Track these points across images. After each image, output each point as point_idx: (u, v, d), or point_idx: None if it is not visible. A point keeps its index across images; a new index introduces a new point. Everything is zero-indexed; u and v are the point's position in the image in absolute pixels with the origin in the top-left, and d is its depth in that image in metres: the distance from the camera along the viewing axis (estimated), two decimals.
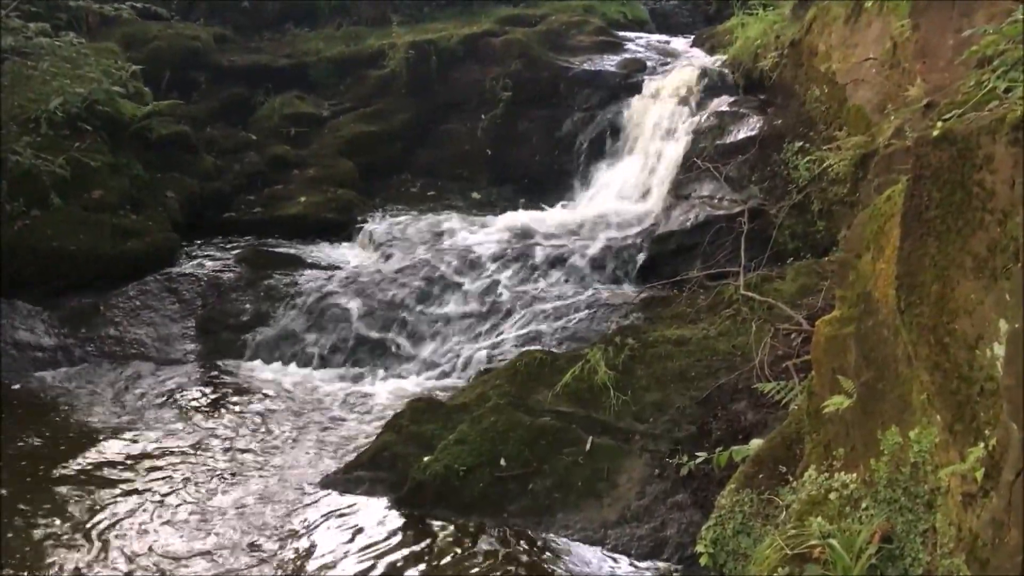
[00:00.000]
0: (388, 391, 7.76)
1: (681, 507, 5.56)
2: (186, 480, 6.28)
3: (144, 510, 5.91)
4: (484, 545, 5.53)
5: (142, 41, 11.34)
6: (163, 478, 6.30)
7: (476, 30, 11.84)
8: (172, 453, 6.65)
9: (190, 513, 5.88)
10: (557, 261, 8.85)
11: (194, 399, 7.54)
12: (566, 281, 8.65)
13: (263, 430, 7.04)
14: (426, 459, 5.99)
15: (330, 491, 6.13)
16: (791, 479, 4.00)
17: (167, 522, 5.78)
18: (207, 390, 7.72)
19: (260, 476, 6.36)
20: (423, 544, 5.56)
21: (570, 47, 11.80)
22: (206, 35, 11.91)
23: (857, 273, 3.69)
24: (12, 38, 8.44)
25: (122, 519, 5.80)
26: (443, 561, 5.39)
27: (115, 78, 9.37)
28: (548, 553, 5.47)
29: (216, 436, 6.93)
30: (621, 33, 12.53)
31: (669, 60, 11.23)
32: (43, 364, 7.99)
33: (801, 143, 8.08)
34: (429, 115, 11.53)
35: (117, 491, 6.13)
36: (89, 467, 6.43)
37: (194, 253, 9.54)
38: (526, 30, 11.85)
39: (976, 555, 2.67)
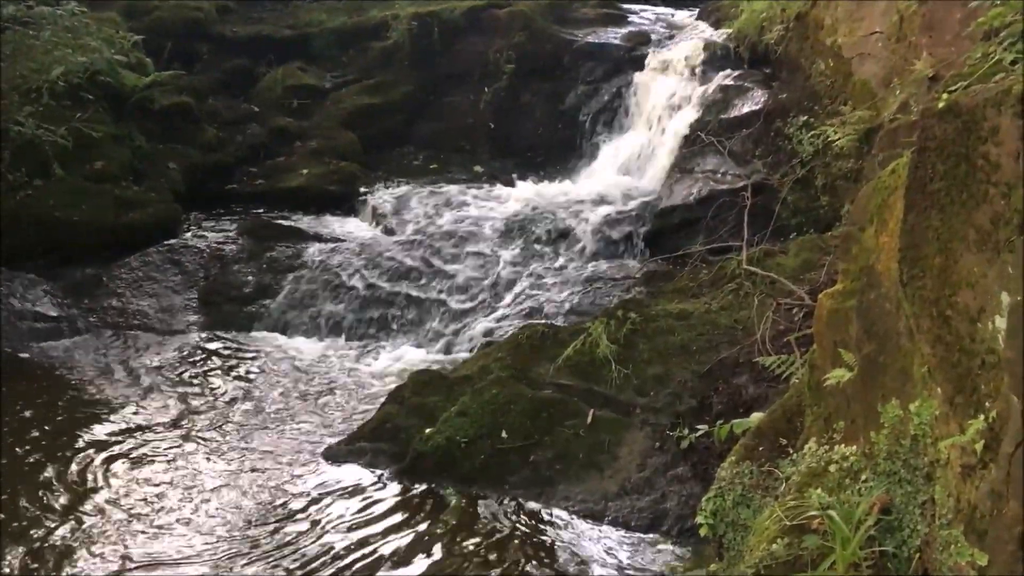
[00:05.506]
0: (390, 363, 7.78)
1: (681, 480, 5.60)
2: (187, 451, 6.31)
3: (144, 480, 5.95)
4: (485, 516, 5.56)
5: (143, 11, 11.26)
6: (164, 448, 6.33)
7: (479, 2, 11.71)
8: (173, 423, 6.67)
9: (189, 485, 5.91)
10: (560, 234, 8.84)
11: (196, 370, 7.56)
12: (568, 254, 8.65)
13: (264, 401, 7.06)
14: (428, 431, 6.02)
15: (332, 462, 6.17)
16: (791, 451, 4.02)
17: (166, 494, 5.81)
18: (209, 361, 7.74)
19: (261, 447, 6.39)
20: (424, 515, 5.59)
21: (574, 19, 11.71)
22: (208, 5, 11.81)
23: (860, 246, 3.68)
24: (13, 7, 8.38)
25: (123, 489, 5.84)
26: (443, 532, 5.43)
27: (116, 48, 9.31)
28: (548, 525, 5.50)
29: (217, 407, 6.96)
30: (625, 5, 12.42)
31: (674, 33, 11.14)
32: (45, 334, 7.99)
33: (806, 117, 8.05)
34: (432, 87, 11.45)
35: (120, 460, 6.16)
36: (89, 437, 6.45)
37: (196, 224, 9.53)
38: (530, 2, 11.73)
39: (974, 526, 2.68)
